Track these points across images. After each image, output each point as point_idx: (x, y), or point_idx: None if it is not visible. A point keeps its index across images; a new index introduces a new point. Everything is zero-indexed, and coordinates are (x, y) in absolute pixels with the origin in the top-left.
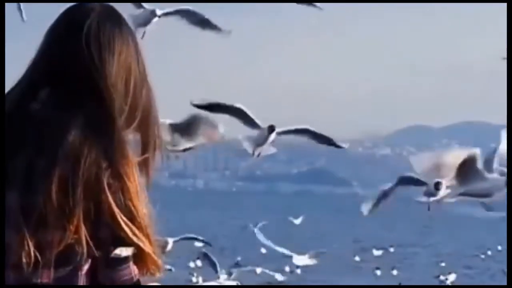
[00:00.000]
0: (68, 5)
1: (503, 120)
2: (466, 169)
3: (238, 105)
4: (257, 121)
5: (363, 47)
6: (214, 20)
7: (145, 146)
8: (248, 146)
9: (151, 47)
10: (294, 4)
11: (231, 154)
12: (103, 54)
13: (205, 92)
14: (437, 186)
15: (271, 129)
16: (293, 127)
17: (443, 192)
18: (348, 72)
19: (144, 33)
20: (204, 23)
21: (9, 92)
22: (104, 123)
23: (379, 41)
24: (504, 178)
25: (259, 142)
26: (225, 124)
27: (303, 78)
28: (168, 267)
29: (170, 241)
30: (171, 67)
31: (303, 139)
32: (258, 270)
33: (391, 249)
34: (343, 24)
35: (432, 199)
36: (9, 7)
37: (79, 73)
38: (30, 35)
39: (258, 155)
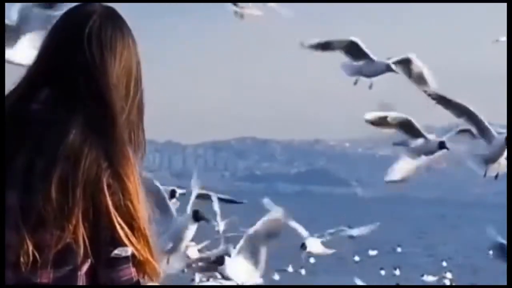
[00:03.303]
0: (70, 5)
1: (503, 121)
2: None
3: (408, 117)
4: (425, 133)
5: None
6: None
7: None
8: (415, 156)
9: None
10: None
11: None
12: (105, 55)
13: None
14: (442, 145)
15: (442, 145)
16: (454, 131)
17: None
18: None
19: (371, 84)
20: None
21: (10, 92)
22: (104, 123)
23: (379, 40)
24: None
25: (426, 151)
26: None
27: (304, 77)
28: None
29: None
30: None
31: (303, 139)
32: None
33: (399, 249)
34: (344, 23)
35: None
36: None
37: (81, 73)
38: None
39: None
